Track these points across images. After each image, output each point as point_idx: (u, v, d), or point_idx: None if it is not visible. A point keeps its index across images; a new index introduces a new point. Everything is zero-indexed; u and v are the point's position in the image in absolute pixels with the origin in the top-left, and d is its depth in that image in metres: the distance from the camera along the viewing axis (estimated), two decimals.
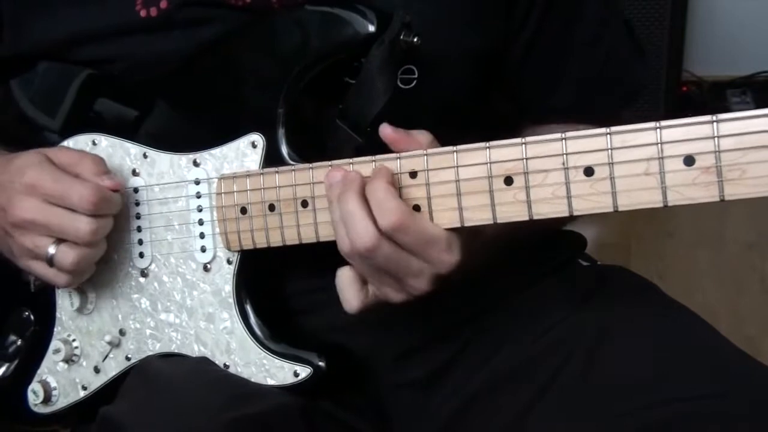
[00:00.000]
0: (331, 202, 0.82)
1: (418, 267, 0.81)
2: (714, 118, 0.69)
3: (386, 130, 0.83)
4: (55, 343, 1.03)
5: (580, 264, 1.11)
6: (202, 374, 0.94)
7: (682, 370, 0.88)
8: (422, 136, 0.83)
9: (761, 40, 2.90)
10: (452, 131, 0.82)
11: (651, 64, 2.55)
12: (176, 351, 0.97)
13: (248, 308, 0.94)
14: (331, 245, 0.89)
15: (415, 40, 0.86)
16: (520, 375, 0.95)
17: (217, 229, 0.93)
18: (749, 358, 0.90)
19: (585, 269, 1.11)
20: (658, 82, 2.61)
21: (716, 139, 0.69)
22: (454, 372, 1.00)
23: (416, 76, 0.93)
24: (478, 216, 0.79)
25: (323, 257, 0.99)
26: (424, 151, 0.81)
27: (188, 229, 0.96)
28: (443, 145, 0.81)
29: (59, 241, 0.91)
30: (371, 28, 0.86)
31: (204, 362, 0.95)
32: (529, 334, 0.97)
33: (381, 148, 0.84)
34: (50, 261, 0.92)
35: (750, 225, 2.41)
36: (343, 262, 1.00)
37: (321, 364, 0.91)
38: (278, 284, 1.02)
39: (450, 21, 0.95)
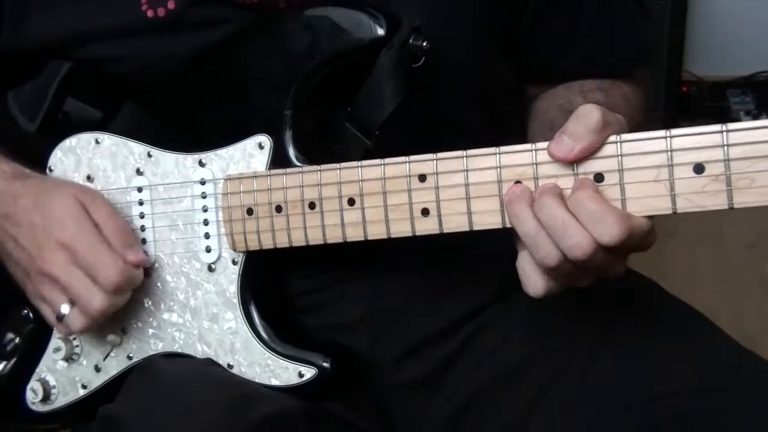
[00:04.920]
0: (517, 215, 0.76)
1: (623, 257, 0.78)
2: (724, 127, 0.71)
3: (556, 154, 0.75)
4: (55, 342, 1.02)
5: None
6: (205, 375, 0.94)
7: (683, 366, 0.89)
8: (588, 120, 0.74)
9: (761, 40, 2.88)
10: (461, 110, 0.81)
11: (651, 64, 2.54)
12: (179, 351, 0.97)
13: (253, 309, 0.94)
14: (330, 245, 0.89)
15: (425, 44, 0.86)
16: (520, 374, 0.96)
17: (223, 230, 0.93)
18: (749, 352, 0.91)
19: None
20: (658, 82, 2.60)
21: (726, 147, 0.70)
22: (455, 371, 1.00)
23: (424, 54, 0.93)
24: (487, 220, 0.80)
25: (324, 258, 1.00)
26: (434, 156, 0.81)
27: (193, 229, 0.96)
28: (455, 126, 0.80)
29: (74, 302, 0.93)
30: (381, 32, 0.86)
31: (208, 363, 0.95)
32: (530, 334, 0.98)
33: (390, 151, 0.84)
34: (60, 318, 0.94)
35: (750, 225, 2.40)
36: (350, 265, 1.01)
37: (326, 365, 0.91)
38: (282, 285, 1.02)
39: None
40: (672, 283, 1.01)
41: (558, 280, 0.78)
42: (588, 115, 0.74)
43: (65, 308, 0.93)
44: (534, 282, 0.78)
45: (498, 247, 1.05)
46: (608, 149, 0.74)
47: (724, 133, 0.70)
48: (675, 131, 0.72)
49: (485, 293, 1.02)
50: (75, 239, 0.92)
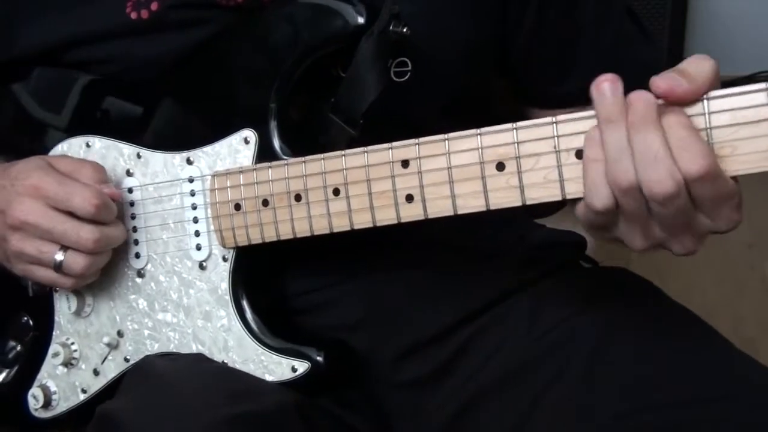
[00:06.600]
0: (612, 122, 0.69)
1: (702, 225, 0.71)
2: (705, 95, 0.69)
3: (660, 86, 0.69)
4: (54, 347, 1.02)
5: (582, 265, 1.10)
6: (200, 370, 0.93)
7: (683, 373, 0.87)
8: (700, 66, 0.69)
9: (761, 40, 2.87)
10: (452, 122, 0.81)
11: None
12: (174, 350, 0.97)
13: (245, 305, 0.93)
14: (328, 244, 0.89)
15: (405, 30, 0.86)
16: (520, 376, 0.94)
17: (212, 227, 0.93)
18: (750, 360, 0.89)
19: (586, 271, 1.10)
20: None
21: (707, 115, 0.69)
22: (454, 372, 0.99)
23: (410, 68, 0.93)
24: (470, 203, 0.79)
25: (323, 258, 0.99)
26: (416, 140, 0.80)
27: (183, 228, 0.95)
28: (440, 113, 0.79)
29: (65, 247, 0.91)
30: (360, 20, 0.86)
31: (201, 358, 0.95)
32: (530, 335, 0.96)
33: (374, 139, 0.83)
34: (58, 267, 0.92)
35: (749, 225, 2.37)
36: (349, 265, 1.00)
37: (319, 358, 0.90)
38: (275, 284, 1.01)
39: (442, 12, 0.95)
40: (671, 283, 0.99)
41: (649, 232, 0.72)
42: (702, 60, 0.69)
43: (60, 255, 0.91)
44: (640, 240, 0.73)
45: (499, 247, 1.04)
46: (589, 124, 0.73)
47: (705, 101, 0.69)
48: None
49: (486, 294, 1.00)
50: (41, 181, 0.91)
